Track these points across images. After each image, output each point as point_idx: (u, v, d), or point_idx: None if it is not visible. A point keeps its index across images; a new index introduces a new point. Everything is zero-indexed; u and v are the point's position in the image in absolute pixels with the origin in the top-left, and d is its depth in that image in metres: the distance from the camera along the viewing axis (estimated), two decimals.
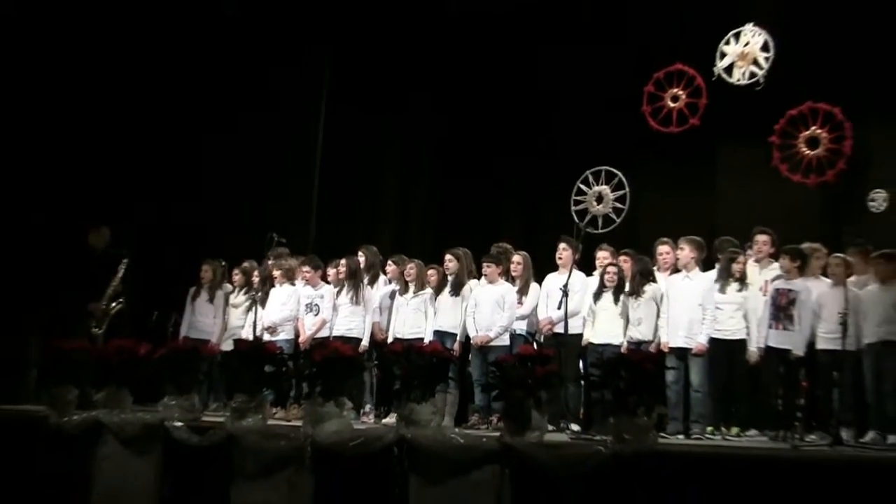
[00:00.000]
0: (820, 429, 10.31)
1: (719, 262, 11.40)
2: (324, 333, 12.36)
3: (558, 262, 11.93)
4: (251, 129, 15.41)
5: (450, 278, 12.14)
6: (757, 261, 11.58)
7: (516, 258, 12.21)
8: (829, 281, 10.86)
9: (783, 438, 10.28)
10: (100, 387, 10.85)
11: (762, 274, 11.49)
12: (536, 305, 11.98)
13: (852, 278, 10.80)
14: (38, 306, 12.74)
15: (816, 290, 10.77)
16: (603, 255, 12.07)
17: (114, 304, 13.00)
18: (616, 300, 11.44)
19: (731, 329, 11.00)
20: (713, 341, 10.97)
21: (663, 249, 11.68)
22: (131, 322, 12.98)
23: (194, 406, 10.65)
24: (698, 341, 10.96)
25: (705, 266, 11.68)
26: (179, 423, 10.20)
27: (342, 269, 12.58)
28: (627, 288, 11.50)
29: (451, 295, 12.04)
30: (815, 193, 14.49)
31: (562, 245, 11.91)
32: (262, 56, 15.30)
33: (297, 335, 12.65)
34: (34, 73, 13.85)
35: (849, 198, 14.62)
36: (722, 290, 11.09)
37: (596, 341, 11.39)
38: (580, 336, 11.51)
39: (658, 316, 11.29)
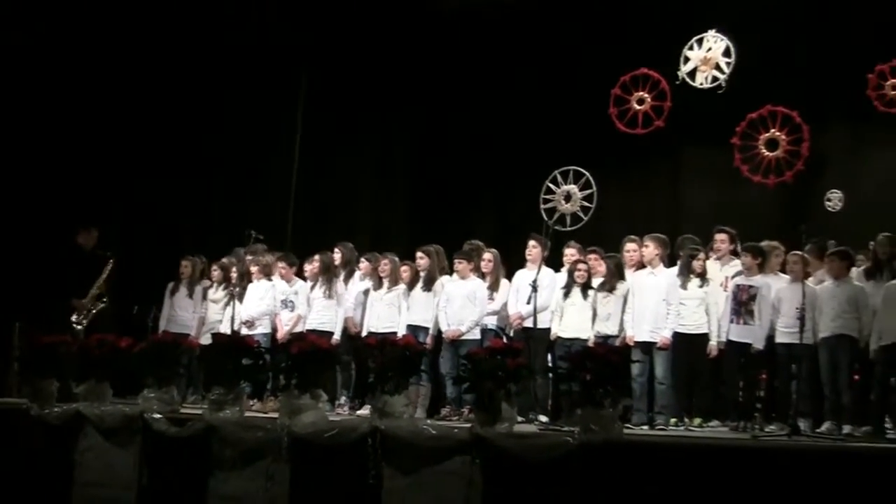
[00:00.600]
0: (778, 420, 10.37)
1: (680, 259, 11.45)
2: (300, 328, 12.33)
3: (528, 258, 11.95)
4: (231, 131, 15.38)
5: (422, 274, 12.14)
6: (717, 258, 11.62)
7: (487, 255, 12.21)
8: (787, 277, 10.92)
9: (743, 429, 10.35)
10: (81, 380, 10.82)
11: (722, 270, 11.53)
12: (507, 300, 11.99)
13: (811, 277, 10.86)
14: (22, 301, 12.71)
15: (775, 286, 10.82)
16: (570, 253, 12.09)
17: (97, 303, 12.99)
18: (585, 296, 11.45)
19: (693, 324, 11.03)
20: (677, 335, 11.00)
21: (630, 247, 11.71)
22: (113, 316, 12.96)
23: (173, 398, 10.62)
24: (662, 335, 10.99)
25: (669, 263, 11.74)
26: (159, 415, 10.17)
27: (316, 264, 12.58)
28: (597, 284, 11.51)
29: (424, 290, 12.05)
30: (774, 193, 14.58)
31: (531, 242, 11.93)
32: (242, 60, 15.26)
33: (274, 329, 12.63)
34: (28, 83, 13.79)
35: (806, 197, 14.71)
36: (684, 287, 11.13)
37: (565, 336, 11.40)
38: (549, 330, 11.53)
39: (624, 311, 11.31)
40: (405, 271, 12.26)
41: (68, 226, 13.31)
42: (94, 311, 12.95)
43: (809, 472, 7.97)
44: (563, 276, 11.84)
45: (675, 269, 11.39)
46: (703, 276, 11.21)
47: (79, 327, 12.73)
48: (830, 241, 11.30)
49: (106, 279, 13.06)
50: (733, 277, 11.28)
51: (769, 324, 10.67)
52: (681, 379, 11.04)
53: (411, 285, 12.14)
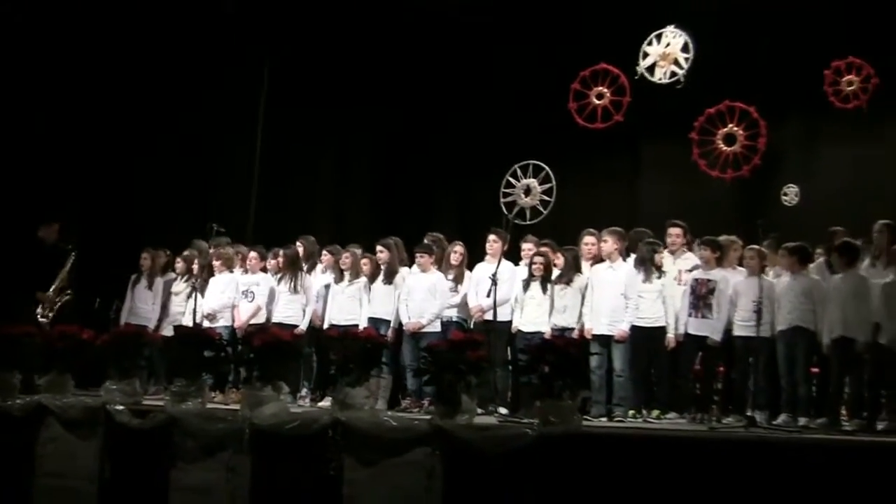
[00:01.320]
0: (736, 412, 10.41)
1: (636, 253, 11.46)
2: (258, 319, 12.27)
3: (488, 252, 11.94)
4: (193, 124, 15.31)
5: (382, 267, 12.11)
6: (671, 252, 11.64)
7: (459, 248, 12.18)
8: (744, 271, 10.97)
9: (700, 421, 10.40)
10: (43, 371, 10.82)
11: (676, 264, 11.56)
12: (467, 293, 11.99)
13: (770, 271, 10.91)
14: None
15: (733, 279, 10.86)
16: (528, 247, 12.07)
17: (62, 295, 12.95)
18: (544, 289, 11.45)
19: (651, 317, 11.05)
20: (635, 328, 11.02)
21: (589, 240, 11.71)
22: (75, 309, 12.91)
23: (136, 390, 10.64)
24: (620, 328, 11.00)
25: (627, 256, 11.76)
26: (121, 407, 10.15)
27: (281, 258, 12.52)
28: (555, 277, 11.51)
29: (385, 283, 12.02)
30: (731, 187, 14.65)
31: (492, 236, 11.92)
32: (203, 52, 15.18)
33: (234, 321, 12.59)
34: None
35: (763, 192, 14.79)
36: (648, 280, 11.13)
37: (525, 329, 11.38)
38: (509, 323, 11.53)
39: (583, 304, 11.31)
40: (366, 264, 12.22)
41: (29, 221, 13.25)
42: (58, 303, 12.92)
43: (766, 464, 8.02)
44: (523, 270, 11.83)
45: (632, 263, 11.39)
46: (660, 269, 11.26)
47: (44, 320, 12.71)
48: (773, 235, 11.32)
49: (69, 271, 13.02)
50: (689, 271, 11.31)
51: (727, 317, 10.71)
52: (639, 371, 11.06)
53: (372, 278, 12.10)
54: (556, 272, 11.52)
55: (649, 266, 11.17)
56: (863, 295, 9.95)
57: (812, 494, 7.70)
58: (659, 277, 11.17)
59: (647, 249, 11.30)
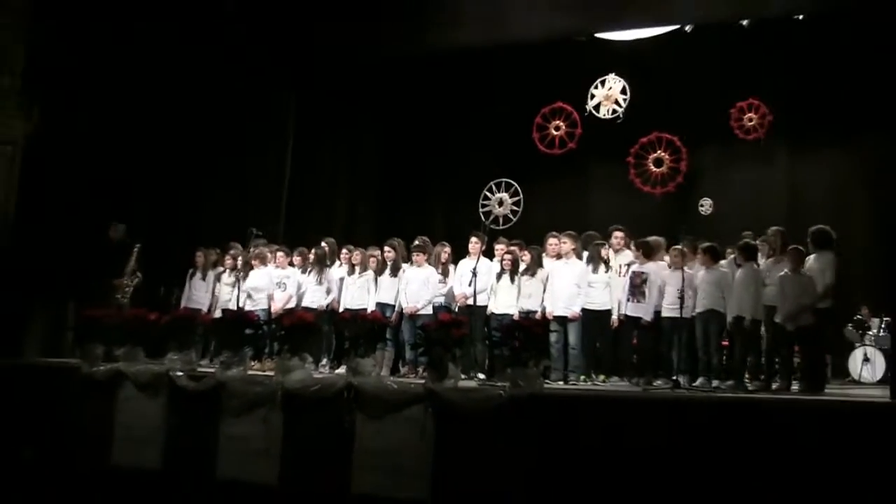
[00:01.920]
0: (664, 376, 10.38)
1: (588, 251, 11.41)
2: (289, 305, 12.16)
3: (470, 251, 11.86)
4: (237, 147, 15.20)
5: (389, 263, 12.02)
6: (615, 250, 11.60)
7: (448, 249, 12.12)
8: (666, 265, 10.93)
9: (637, 384, 10.37)
10: (120, 345, 10.95)
11: (617, 259, 11.53)
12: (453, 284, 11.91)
13: (690, 265, 10.85)
14: (73, 283, 12.61)
15: (662, 272, 10.82)
16: (500, 247, 11.92)
17: (133, 279, 12.92)
18: (512, 280, 11.37)
19: (599, 302, 11.00)
20: (586, 311, 10.96)
21: (552, 241, 11.59)
22: (144, 296, 12.89)
23: (192, 360, 10.75)
24: (573, 310, 10.94)
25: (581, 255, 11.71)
26: (180, 373, 10.26)
27: (310, 256, 12.41)
28: (522, 270, 11.43)
29: (391, 276, 11.92)
30: (660, 200, 14.63)
31: (473, 238, 11.82)
32: (242, 87, 15.01)
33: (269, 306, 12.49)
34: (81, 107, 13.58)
35: (685, 204, 14.80)
36: (595, 271, 11.11)
37: (497, 312, 11.31)
38: (486, 307, 11.47)
39: (544, 292, 11.24)
40: (373, 260, 12.14)
41: (102, 224, 13.21)
42: (131, 286, 12.85)
43: (688, 417, 8.05)
44: (496, 265, 11.75)
45: (584, 259, 11.35)
46: (606, 264, 11.23)
47: (124, 300, 12.61)
48: (689, 238, 11.26)
49: (136, 259, 12.96)
50: (627, 265, 11.29)
51: (655, 301, 10.68)
52: (589, 345, 11.03)
53: (380, 271, 12.00)
54: (522, 266, 11.45)
55: (598, 261, 11.15)
56: (755, 284, 9.94)
57: (722, 440, 7.75)
58: (606, 271, 11.14)
59: (594, 248, 11.27)
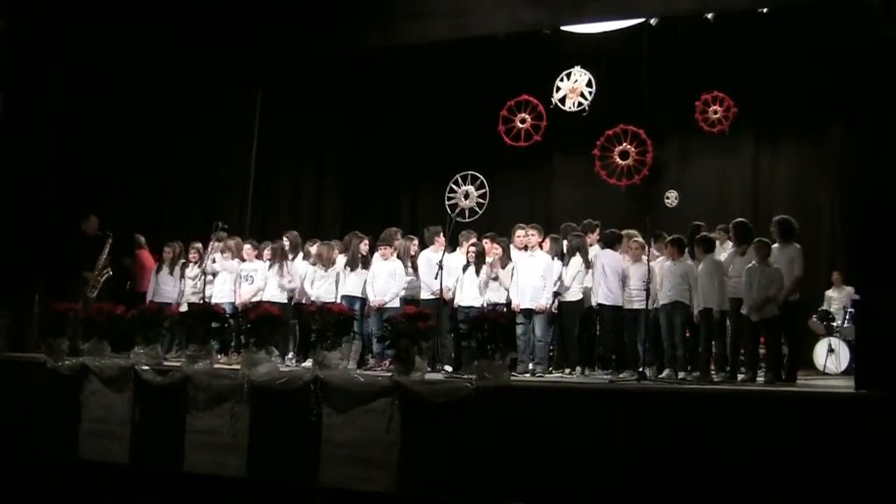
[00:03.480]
0: (630, 368, 10.46)
1: (567, 242, 11.45)
2: (256, 298, 12.13)
3: (436, 242, 11.91)
4: (198, 142, 15.15)
5: (358, 256, 12.02)
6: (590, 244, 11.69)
7: (415, 242, 12.17)
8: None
9: (604, 376, 10.48)
10: (86, 339, 10.94)
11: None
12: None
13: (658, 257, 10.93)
14: (40, 276, 12.54)
15: (621, 263, 10.89)
16: (467, 241, 12.02)
17: (104, 272, 12.91)
18: (477, 272, 11.42)
19: (571, 293, 11.13)
20: (561, 303, 11.06)
21: (520, 233, 11.68)
22: (111, 289, 12.87)
23: (158, 354, 10.71)
24: (539, 303, 11.01)
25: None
26: (146, 367, 10.28)
27: (270, 251, 12.40)
28: (489, 261, 11.47)
29: (360, 268, 11.92)
30: (626, 192, 14.74)
31: (433, 231, 11.94)
32: (207, 82, 14.95)
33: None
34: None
35: (650, 196, 14.92)
36: (565, 263, 11.19)
37: (464, 304, 11.39)
38: (452, 300, 11.53)
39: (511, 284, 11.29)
40: (341, 253, 12.17)
41: (74, 216, 13.17)
42: (101, 280, 12.87)
43: (653, 408, 8.15)
44: (462, 257, 11.79)
45: (557, 251, 11.39)
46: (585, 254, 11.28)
47: (91, 295, 12.65)
48: (657, 232, 11.33)
49: (108, 254, 12.98)
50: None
51: (602, 287, 10.78)
52: (564, 336, 11.17)
53: (350, 265, 12.01)
54: (489, 259, 11.49)
55: (583, 252, 11.19)
56: (718, 275, 10.08)
57: (689, 432, 7.84)
58: (584, 263, 11.17)
59: (577, 240, 11.32)
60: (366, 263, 11.89)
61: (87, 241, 13.10)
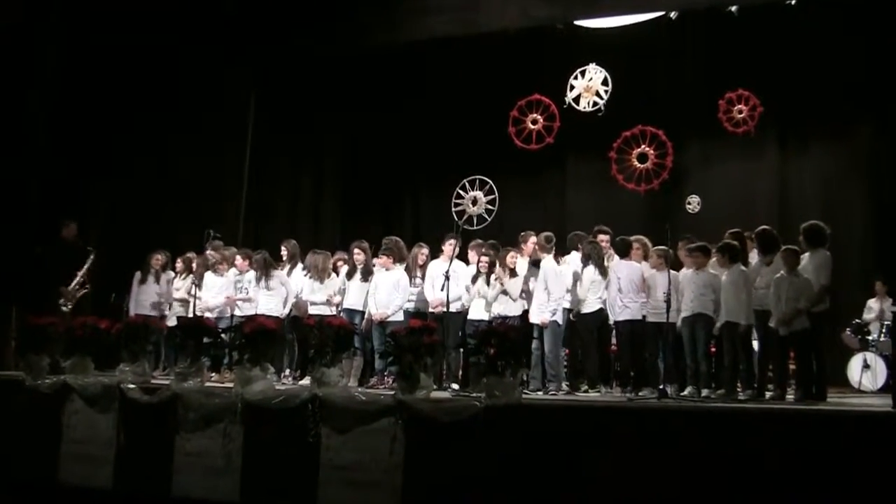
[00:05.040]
0: (650, 384, 10.39)
1: (582, 250, 11.38)
2: (251, 311, 12.11)
3: (445, 251, 11.84)
4: (192, 145, 15.14)
5: (359, 267, 12.00)
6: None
7: (425, 251, 12.09)
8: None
9: (622, 393, 10.43)
10: (68, 356, 10.87)
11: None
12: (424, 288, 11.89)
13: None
14: (17, 289, 12.52)
15: (637, 272, 10.85)
16: (477, 251, 11.92)
17: (81, 289, 12.87)
18: (488, 283, 11.36)
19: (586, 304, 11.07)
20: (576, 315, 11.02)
21: (531, 241, 11.65)
22: (94, 302, 12.86)
23: (145, 371, 10.70)
24: (543, 317, 10.87)
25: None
26: (133, 385, 10.22)
27: (254, 262, 12.37)
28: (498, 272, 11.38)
29: (361, 281, 11.91)
30: (644, 198, 14.68)
31: (449, 241, 11.87)
32: (201, 86, 14.97)
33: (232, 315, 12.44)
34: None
35: (670, 201, 14.86)
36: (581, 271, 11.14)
37: (473, 317, 11.31)
38: (461, 313, 11.44)
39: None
40: (341, 264, 12.15)
41: (53, 223, 13.13)
42: (78, 296, 12.81)
43: (675, 428, 8.07)
44: (472, 269, 11.71)
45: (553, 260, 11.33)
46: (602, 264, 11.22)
47: (65, 309, 12.58)
48: (686, 236, 11.28)
49: (88, 269, 12.91)
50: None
51: (613, 298, 10.81)
52: (582, 352, 11.11)
53: (349, 276, 12.00)
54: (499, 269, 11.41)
55: (587, 261, 11.13)
56: (745, 287, 10.00)
57: (713, 453, 7.76)
58: (598, 272, 11.10)
59: (592, 248, 11.24)
60: (367, 274, 11.85)
61: (67, 249, 13.06)
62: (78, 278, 12.86)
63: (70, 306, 12.68)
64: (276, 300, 12.19)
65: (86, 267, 12.90)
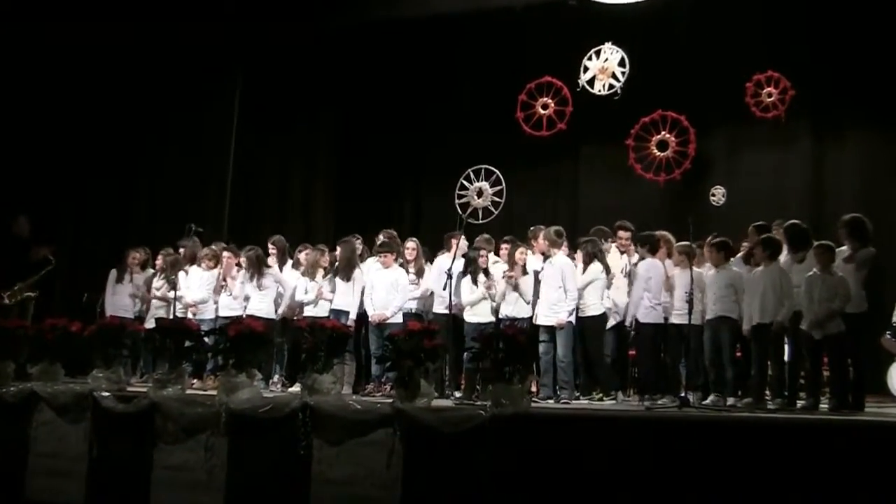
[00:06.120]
0: (671, 392, 10.36)
1: (581, 250, 11.36)
2: (237, 312, 12.10)
3: (452, 245, 11.81)
4: (174, 134, 15.16)
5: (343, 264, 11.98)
6: (621, 251, 11.61)
7: (410, 244, 12.11)
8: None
9: (640, 401, 10.39)
10: (35, 361, 10.82)
11: (622, 259, 11.55)
12: (429, 285, 11.85)
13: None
14: None
15: (660, 270, 10.84)
16: (486, 246, 11.89)
17: (27, 293, 12.91)
18: (474, 282, 11.31)
19: (592, 306, 11.04)
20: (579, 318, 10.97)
21: (541, 236, 11.63)
22: (64, 302, 12.85)
23: (120, 377, 10.61)
24: (559, 318, 10.88)
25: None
26: (107, 393, 10.16)
27: (245, 260, 12.36)
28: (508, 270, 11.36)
29: (343, 280, 11.88)
30: (664, 189, 14.66)
31: (454, 237, 11.84)
32: (183, 77, 14.97)
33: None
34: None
35: (693, 193, 14.82)
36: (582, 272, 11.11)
37: (472, 320, 11.27)
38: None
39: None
40: (325, 261, 12.14)
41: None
42: (20, 299, 12.85)
43: (698, 440, 8.01)
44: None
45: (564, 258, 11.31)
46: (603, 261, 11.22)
47: (7, 303, 12.71)
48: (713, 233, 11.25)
49: (42, 276, 12.98)
50: (634, 265, 11.29)
51: (635, 300, 10.81)
52: (592, 357, 11.07)
53: (334, 273, 11.99)
54: (504, 268, 11.39)
55: (598, 259, 11.11)
56: (781, 286, 9.92)
57: (739, 467, 7.70)
58: (603, 271, 11.09)
59: (591, 246, 11.21)
60: (348, 271, 11.80)
61: (16, 245, 13.04)
62: (29, 281, 12.86)
63: (10, 302, 12.68)
64: (268, 301, 12.16)
65: (41, 273, 12.89)
